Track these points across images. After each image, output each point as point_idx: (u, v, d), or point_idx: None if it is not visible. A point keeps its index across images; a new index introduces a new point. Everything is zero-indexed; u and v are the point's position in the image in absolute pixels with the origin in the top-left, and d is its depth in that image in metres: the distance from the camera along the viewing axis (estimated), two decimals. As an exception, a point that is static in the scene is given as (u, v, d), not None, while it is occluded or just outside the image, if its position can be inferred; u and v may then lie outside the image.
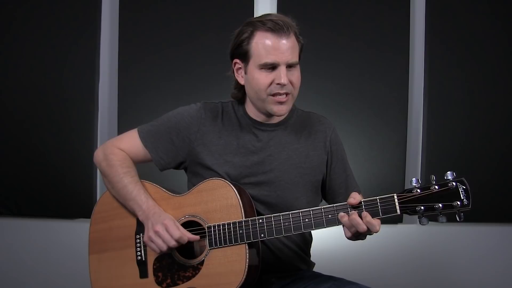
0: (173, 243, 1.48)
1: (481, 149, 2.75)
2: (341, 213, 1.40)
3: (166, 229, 1.48)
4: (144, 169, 1.71)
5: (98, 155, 1.69)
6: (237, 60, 1.61)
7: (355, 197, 1.40)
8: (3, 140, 2.86)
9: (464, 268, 2.78)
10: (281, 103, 1.56)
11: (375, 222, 1.38)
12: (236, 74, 1.64)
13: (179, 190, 1.62)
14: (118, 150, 1.66)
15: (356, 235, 1.43)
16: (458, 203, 1.31)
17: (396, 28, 2.77)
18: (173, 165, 1.69)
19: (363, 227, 1.38)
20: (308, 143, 1.67)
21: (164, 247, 1.48)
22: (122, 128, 2.74)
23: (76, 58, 2.85)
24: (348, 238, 1.47)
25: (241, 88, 1.66)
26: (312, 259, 1.76)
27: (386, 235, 2.71)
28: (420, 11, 2.79)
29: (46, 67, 2.86)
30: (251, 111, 1.67)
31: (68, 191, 2.81)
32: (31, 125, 2.85)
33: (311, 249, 1.76)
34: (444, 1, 2.77)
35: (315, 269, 1.75)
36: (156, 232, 1.49)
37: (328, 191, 1.72)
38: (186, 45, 2.82)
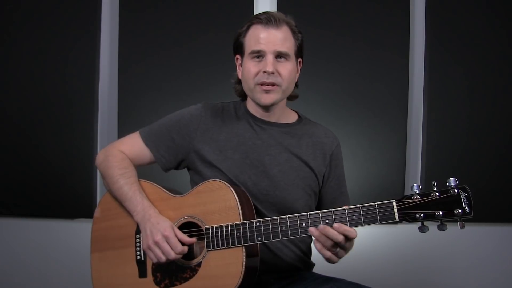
0: (173, 256, 1.47)
1: (481, 149, 2.73)
2: (311, 228, 1.35)
3: (167, 241, 1.48)
4: (145, 169, 1.72)
5: (99, 157, 1.70)
6: (238, 56, 1.66)
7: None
8: (3, 140, 2.86)
9: (464, 268, 2.78)
10: (267, 91, 1.57)
11: (351, 228, 1.34)
12: (238, 70, 1.68)
13: (181, 190, 1.62)
14: (118, 152, 1.67)
15: (334, 248, 1.37)
16: (460, 211, 1.26)
17: (396, 28, 2.76)
18: (174, 163, 1.69)
19: (338, 237, 1.33)
20: (309, 152, 1.67)
21: (163, 259, 1.48)
22: (122, 128, 2.75)
23: (76, 58, 2.84)
24: (327, 259, 1.40)
25: (240, 82, 1.69)
26: (312, 259, 1.75)
27: (386, 235, 2.75)
28: (420, 11, 2.78)
29: (46, 67, 2.86)
30: (251, 106, 1.69)
31: (68, 191, 2.81)
32: (31, 125, 2.85)
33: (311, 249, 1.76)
34: (444, 1, 2.76)
35: (315, 269, 1.75)
36: (156, 243, 1.48)
37: (319, 204, 1.73)
38: (186, 45, 2.82)
